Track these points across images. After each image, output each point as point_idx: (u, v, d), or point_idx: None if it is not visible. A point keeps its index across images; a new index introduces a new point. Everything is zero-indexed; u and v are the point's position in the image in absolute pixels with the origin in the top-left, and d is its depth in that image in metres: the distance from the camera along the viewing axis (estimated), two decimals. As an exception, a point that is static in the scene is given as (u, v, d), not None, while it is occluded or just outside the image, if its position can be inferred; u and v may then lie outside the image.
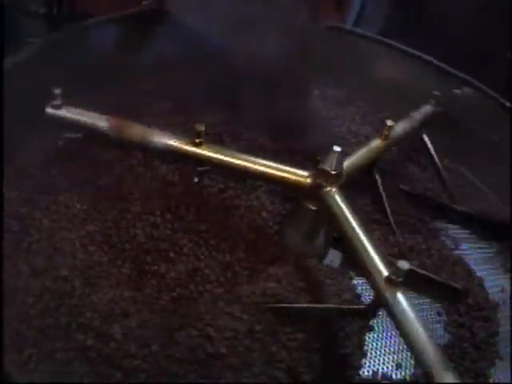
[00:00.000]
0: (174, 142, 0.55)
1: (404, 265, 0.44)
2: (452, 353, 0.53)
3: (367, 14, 1.08)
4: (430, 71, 0.79)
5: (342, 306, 0.50)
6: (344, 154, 0.54)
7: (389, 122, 0.66)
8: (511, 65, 0.95)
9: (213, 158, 0.56)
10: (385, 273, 0.45)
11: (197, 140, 0.55)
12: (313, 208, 0.56)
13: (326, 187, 0.54)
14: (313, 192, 0.55)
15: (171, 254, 0.54)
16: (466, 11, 0.95)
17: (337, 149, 0.53)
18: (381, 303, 0.45)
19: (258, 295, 0.50)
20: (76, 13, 0.86)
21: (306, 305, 0.49)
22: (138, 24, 0.75)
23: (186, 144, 0.55)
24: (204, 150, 0.55)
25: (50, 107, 0.56)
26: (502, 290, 0.62)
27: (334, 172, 0.53)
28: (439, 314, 0.58)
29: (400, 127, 0.69)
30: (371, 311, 0.47)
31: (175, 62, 0.71)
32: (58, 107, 0.55)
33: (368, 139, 0.68)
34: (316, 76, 0.76)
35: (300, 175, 0.56)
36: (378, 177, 0.66)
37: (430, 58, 0.81)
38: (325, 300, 0.52)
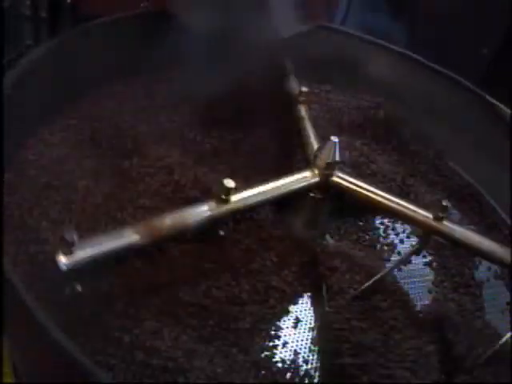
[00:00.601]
0: (210, 212, 0.53)
1: (448, 203, 0.59)
2: (442, 324, 0.59)
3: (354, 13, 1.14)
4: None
5: (402, 257, 0.63)
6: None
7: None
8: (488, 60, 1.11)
9: (246, 205, 0.56)
10: (429, 214, 0.60)
11: (226, 197, 0.54)
12: (319, 197, 0.63)
13: (334, 176, 0.62)
14: (323, 184, 0.62)
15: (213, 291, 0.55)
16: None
17: (335, 139, 0.61)
18: (431, 235, 0.60)
19: (347, 287, 0.59)
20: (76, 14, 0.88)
21: (384, 271, 0.61)
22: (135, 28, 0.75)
23: (220, 206, 0.54)
24: (236, 202, 0.55)
25: (63, 256, 0.44)
26: (489, 269, 0.69)
27: (337, 160, 0.61)
28: (429, 292, 0.65)
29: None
30: (423, 246, 0.62)
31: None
32: (72, 251, 0.45)
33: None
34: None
35: (308, 177, 0.62)
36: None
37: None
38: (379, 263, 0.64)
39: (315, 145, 0.66)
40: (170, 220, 0.51)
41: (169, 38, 0.69)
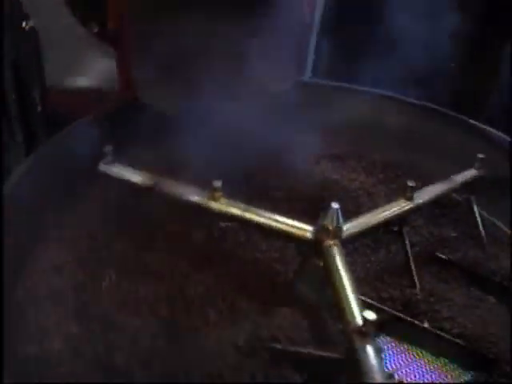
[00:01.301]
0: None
1: (413, 183, 0.71)
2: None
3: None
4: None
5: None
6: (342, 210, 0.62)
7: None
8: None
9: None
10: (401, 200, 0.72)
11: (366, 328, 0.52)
12: (320, 263, 0.64)
13: (327, 242, 0.63)
14: (315, 246, 0.64)
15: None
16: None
17: (335, 205, 0.62)
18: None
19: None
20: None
21: (412, 266, 0.71)
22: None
23: (365, 339, 0.52)
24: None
25: None
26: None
27: (331, 228, 0.62)
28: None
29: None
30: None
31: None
32: None
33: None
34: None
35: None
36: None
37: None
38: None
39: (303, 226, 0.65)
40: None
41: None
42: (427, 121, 0.92)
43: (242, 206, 0.68)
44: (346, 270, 0.60)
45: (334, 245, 0.62)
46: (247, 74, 0.76)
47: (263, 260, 0.71)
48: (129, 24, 0.80)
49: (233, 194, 0.68)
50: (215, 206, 0.68)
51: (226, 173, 0.68)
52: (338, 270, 0.60)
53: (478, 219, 0.81)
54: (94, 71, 1.05)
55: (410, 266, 0.71)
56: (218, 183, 0.68)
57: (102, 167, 0.73)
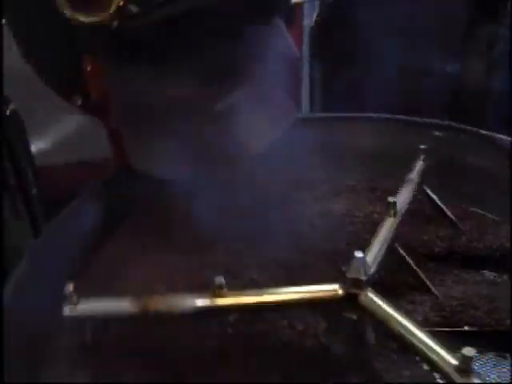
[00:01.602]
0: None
1: (394, 199, 0.71)
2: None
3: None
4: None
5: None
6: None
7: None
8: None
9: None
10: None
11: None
12: (353, 317, 0.61)
13: (361, 294, 0.59)
14: (349, 302, 0.60)
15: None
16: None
17: (358, 254, 0.59)
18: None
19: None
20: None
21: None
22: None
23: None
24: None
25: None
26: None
27: (361, 278, 0.59)
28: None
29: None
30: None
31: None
32: None
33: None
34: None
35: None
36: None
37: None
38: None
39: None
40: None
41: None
42: (431, 137, 0.91)
43: (254, 291, 0.62)
44: (399, 313, 0.57)
45: (370, 293, 0.59)
46: (244, 123, 0.72)
47: (290, 337, 0.65)
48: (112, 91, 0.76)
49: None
50: (224, 303, 0.60)
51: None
52: (391, 316, 0.57)
53: (442, 206, 0.84)
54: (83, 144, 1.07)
55: (422, 278, 0.71)
56: (220, 279, 0.60)
57: (67, 311, 0.60)
